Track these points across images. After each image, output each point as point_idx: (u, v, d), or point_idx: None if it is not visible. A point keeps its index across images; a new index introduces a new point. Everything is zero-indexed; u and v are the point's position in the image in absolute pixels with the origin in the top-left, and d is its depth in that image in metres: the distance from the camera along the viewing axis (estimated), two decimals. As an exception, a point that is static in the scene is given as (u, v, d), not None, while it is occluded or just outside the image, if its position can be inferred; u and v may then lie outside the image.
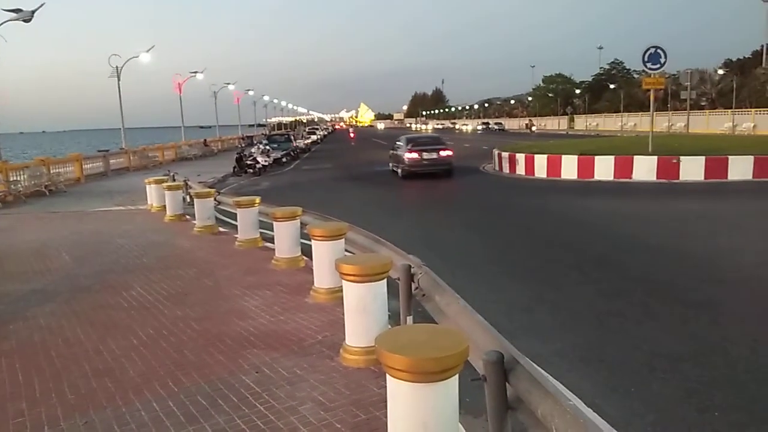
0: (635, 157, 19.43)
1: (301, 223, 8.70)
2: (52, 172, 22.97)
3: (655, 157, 19.04)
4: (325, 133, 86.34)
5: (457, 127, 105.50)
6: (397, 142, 24.59)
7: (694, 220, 12.49)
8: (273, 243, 9.26)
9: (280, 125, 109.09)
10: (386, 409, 3.34)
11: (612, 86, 78.51)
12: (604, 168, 19.64)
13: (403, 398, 3.13)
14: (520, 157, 22.28)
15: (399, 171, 23.63)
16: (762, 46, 56.55)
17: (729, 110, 49.24)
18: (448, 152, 22.88)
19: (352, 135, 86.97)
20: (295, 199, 12.06)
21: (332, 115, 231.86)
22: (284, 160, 32.77)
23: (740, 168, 18.21)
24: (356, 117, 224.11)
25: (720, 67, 62.68)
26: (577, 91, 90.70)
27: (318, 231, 6.92)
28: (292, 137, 41.68)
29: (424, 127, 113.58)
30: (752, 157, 18.41)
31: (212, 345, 5.72)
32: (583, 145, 26.16)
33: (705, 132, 42.54)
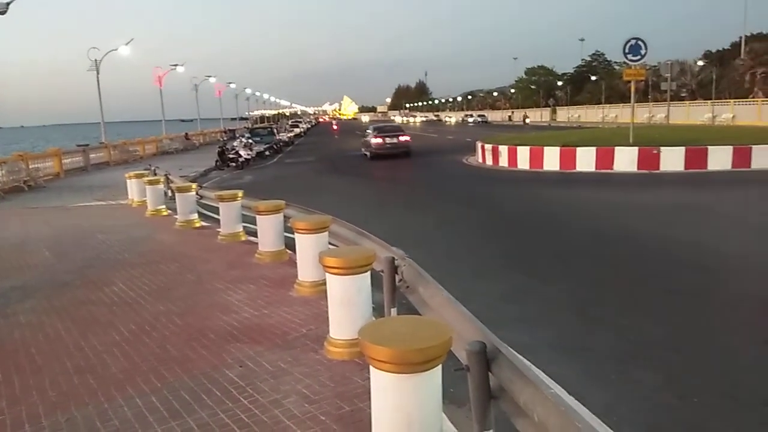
0: (616, 148, 19.59)
1: (285, 217, 8.67)
2: (30, 167, 22.60)
3: (636, 149, 19.21)
4: (309, 126, 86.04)
5: (444, 119, 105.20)
6: (367, 131, 30.35)
7: (675, 210, 12.64)
8: (256, 237, 9.22)
9: (262, 118, 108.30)
10: (370, 400, 3.35)
11: (593, 78, 78.97)
12: (585, 159, 19.77)
13: (386, 389, 3.14)
14: (503, 149, 22.35)
15: (368, 153, 28.09)
16: (740, 37, 57.25)
17: (709, 101, 49.72)
18: (406, 138, 28.16)
19: (335, 128, 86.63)
20: (278, 193, 11.99)
21: (315, 108, 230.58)
22: (267, 153, 32.60)
23: (719, 158, 18.43)
24: (339, 110, 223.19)
25: (700, 59, 63.27)
26: (560, 83, 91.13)
27: (302, 224, 6.90)
28: (275, 130, 41.45)
29: (412, 119, 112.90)
30: (731, 147, 18.65)
31: (195, 340, 5.69)
32: (565, 136, 26.31)
33: (685, 123, 42.96)
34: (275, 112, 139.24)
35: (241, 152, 27.26)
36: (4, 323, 6.49)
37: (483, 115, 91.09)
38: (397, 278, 5.03)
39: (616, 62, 79.06)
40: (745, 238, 9.84)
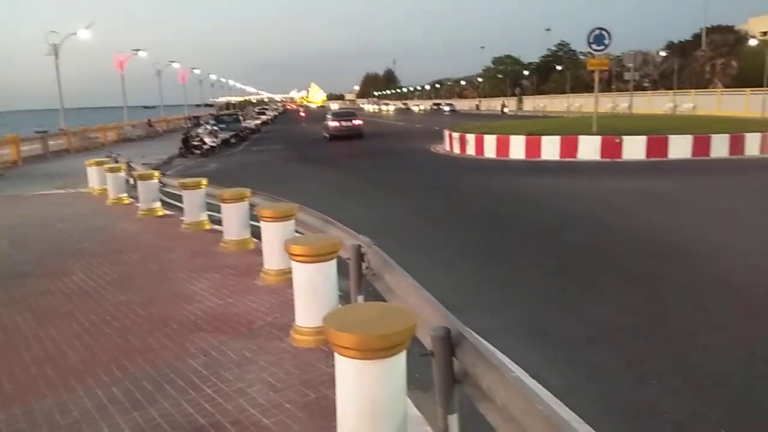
0: (580, 137, 19.90)
1: (251, 205, 8.57)
2: (-15, 154, 21.90)
3: (599, 137, 19.54)
4: (276, 113, 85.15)
5: (412, 107, 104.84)
6: (327, 115, 35.76)
7: (636, 198, 12.91)
8: (221, 225, 9.10)
9: (228, 105, 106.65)
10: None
11: (559, 68, 79.83)
12: (550, 148, 20.04)
13: (351, 376, 3.14)
14: (470, 138, 22.49)
15: (327, 135, 33.03)
16: (701, 29, 58.52)
17: (670, 91, 50.81)
18: (359, 122, 33.53)
19: (302, 115, 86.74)
20: (244, 181, 11.83)
21: (283, 96, 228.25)
22: (233, 140, 32.14)
23: (680, 147, 18.90)
24: (307, 97, 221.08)
25: (662, 50, 64.48)
26: (526, 73, 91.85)
27: (267, 212, 6.83)
28: (240, 117, 40.90)
29: (384, 108, 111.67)
30: (691, 136, 19.13)
31: (158, 330, 5.60)
32: (530, 125, 26.60)
33: (647, 112, 43.79)
34: (241, 99, 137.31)
35: (206, 139, 26.83)
36: (-42, 315, 6.27)
37: (451, 104, 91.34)
38: (364, 266, 5.02)
39: (581, 52, 79.97)
40: (702, 225, 10.11)
